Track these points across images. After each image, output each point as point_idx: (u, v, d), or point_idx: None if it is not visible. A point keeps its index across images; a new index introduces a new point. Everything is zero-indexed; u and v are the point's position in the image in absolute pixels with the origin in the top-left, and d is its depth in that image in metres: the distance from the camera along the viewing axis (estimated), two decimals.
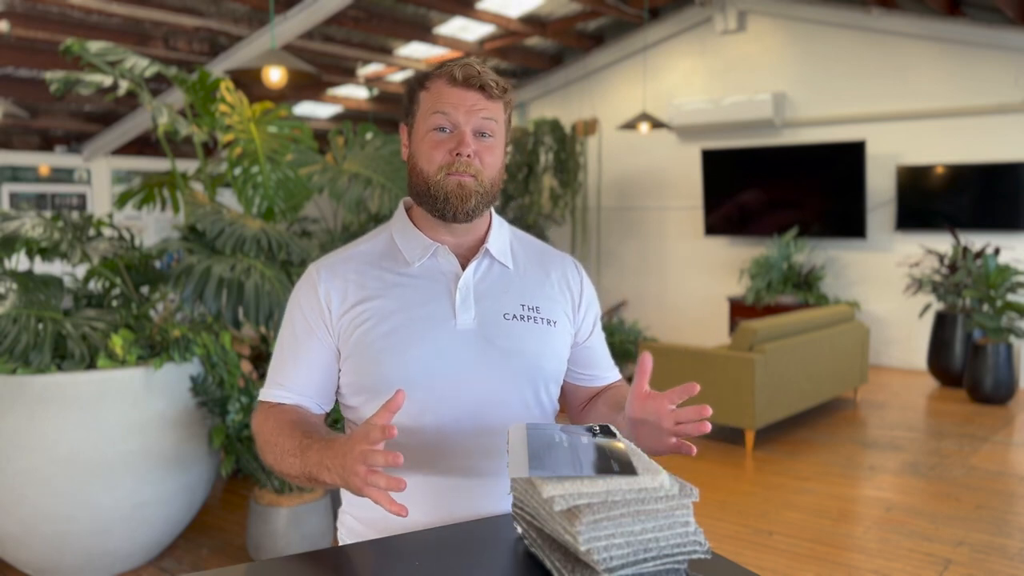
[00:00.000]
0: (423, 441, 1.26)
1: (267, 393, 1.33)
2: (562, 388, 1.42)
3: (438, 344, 1.26)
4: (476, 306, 1.29)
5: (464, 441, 1.26)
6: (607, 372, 1.47)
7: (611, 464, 0.96)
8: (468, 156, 1.25)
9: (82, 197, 7.74)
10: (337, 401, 1.38)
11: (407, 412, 1.25)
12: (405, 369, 1.25)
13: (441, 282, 1.30)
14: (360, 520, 1.31)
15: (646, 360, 1.15)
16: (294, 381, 1.31)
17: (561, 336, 1.35)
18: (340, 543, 1.36)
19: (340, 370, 1.32)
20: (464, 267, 1.32)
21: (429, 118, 1.27)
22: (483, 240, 1.35)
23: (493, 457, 1.27)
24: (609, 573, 0.89)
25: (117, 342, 2.86)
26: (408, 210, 1.38)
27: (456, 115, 1.25)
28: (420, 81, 1.31)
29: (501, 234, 1.38)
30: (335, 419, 3.18)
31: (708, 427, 1.11)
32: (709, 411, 1.11)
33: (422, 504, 1.25)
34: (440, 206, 1.27)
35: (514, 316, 1.31)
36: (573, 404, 1.48)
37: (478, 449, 1.27)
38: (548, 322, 1.33)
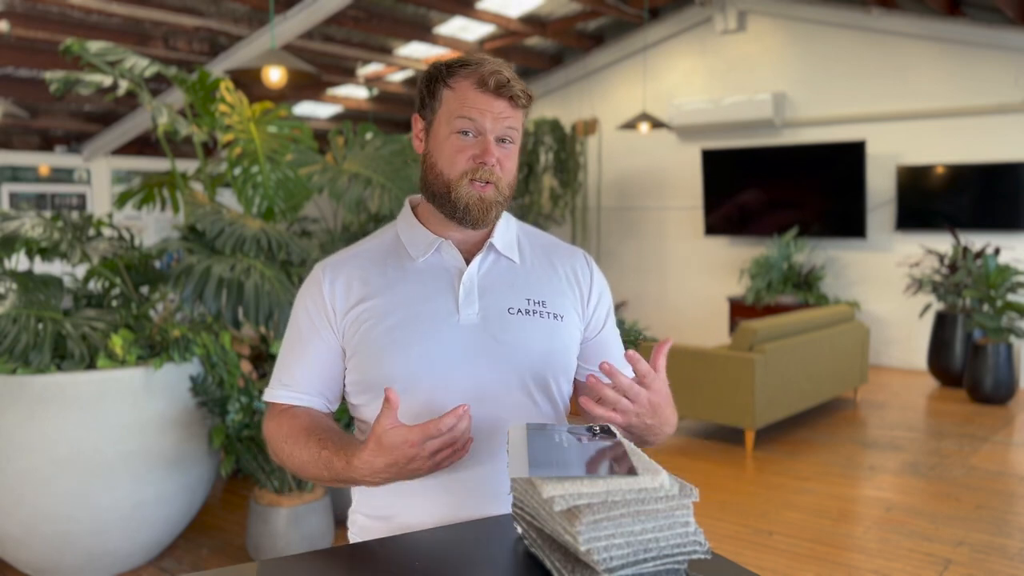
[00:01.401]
0: None
1: (272, 394, 1.33)
2: (575, 388, 1.41)
3: (441, 340, 1.26)
4: (480, 301, 1.29)
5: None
6: (621, 370, 1.45)
7: (611, 464, 0.96)
8: (494, 165, 1.25)
9: (82, 197, 7.74)
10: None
11: (411, 409, 1.25)
12: (408, 365, 1.24)
13: (444, 277, 1.30)
14: (372, 518, 1.31)
15: (665, 346, 1.15)
16: (299, 381, 1.32)
17: (569, 330, 1.34)
18: (352, 541, 1.36)
19: (346, 368, 1.32)
20: (469, 262, 1.31)
21: (454, 120, 1.25)
22: (489, 235, 1.34)
23: (499, 452, 1.27)
24: (609, 573, 0.89)
25: (117, 342, 2.86)
26: (414, 208, 1.38)
27: (483, 122, 1.24)
28: (443, 76, 1.28)
29: (508, 229, 1.37)
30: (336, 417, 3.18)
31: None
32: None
33: (428, 499, 1.26)
34: (460, 215, 1.27)
35: (519, 310, 1.30)
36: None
37: (484, 444, 1.26)
38: (555, 316, 1.32)
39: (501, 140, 1.27)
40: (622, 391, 1.13)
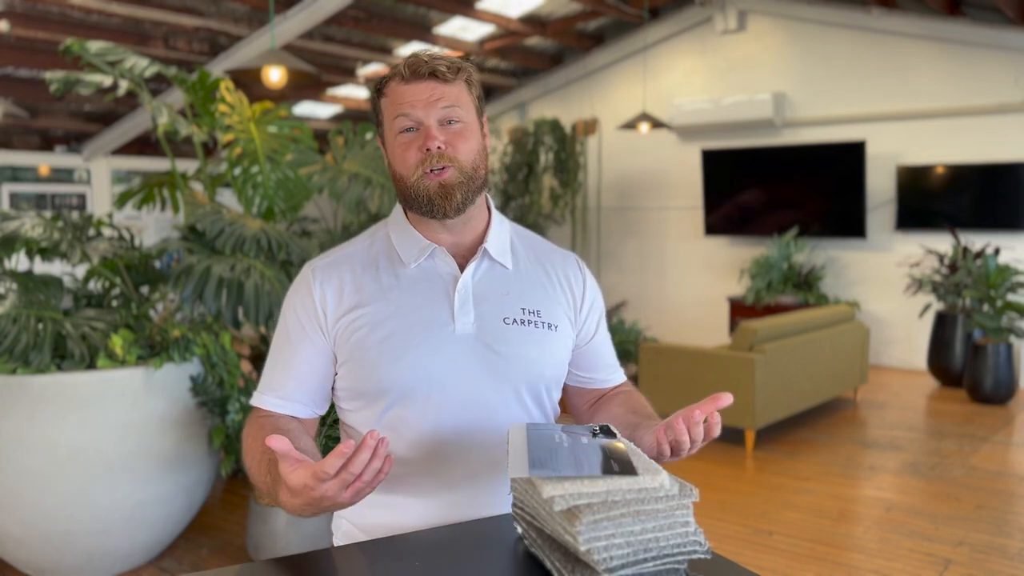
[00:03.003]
0: (422, 447, 1.24)
1: (260, 399, 1.30)
2: (564, 390, 1.39)
3: (436, 349, 1.23)
4: (475, 310, 1.26)
5: (463, 446, 1.24)
6: (611, 375, 1.42)
7: (611, 464, 0.96)
8: (439, 149, 1.22)
9: (82, 197, 7.74)
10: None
11: (406, 419, 1.24)
12: (402, 375, 1.22)
13: (439, 285, 1.27)
14: (357, 525, 1.30)
15: (725, 399, 1.13)
16: (287, 387, 1.28)
17: (562, 340, 1.32)
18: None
19: (336, 374, 1.29)
20: (462, 268, 1.28)
21: (393, 123, 1.25)
22: (482, 239, 1.31)
23: (492, 462, 1.25)
24: (609, 573, 0.89)
25: (117, 342, 2.86)
26: (405, 209, 1.35)
27: (415, 112, 1.23)
28: (378, 89, 1.29)
29: (501, 232, 1.34)
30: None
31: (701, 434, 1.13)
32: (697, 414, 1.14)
33: (421, 509, 1.24)
34: (427, 208, 1.25)
35: (514, 320, 1.27)
36: (577, 405, 1.44)
37: (477, 454, 1.25)
38: (549, 326, 1.30)
39: (447, 122, 1.24)
40: (692, 439, 1.15)
